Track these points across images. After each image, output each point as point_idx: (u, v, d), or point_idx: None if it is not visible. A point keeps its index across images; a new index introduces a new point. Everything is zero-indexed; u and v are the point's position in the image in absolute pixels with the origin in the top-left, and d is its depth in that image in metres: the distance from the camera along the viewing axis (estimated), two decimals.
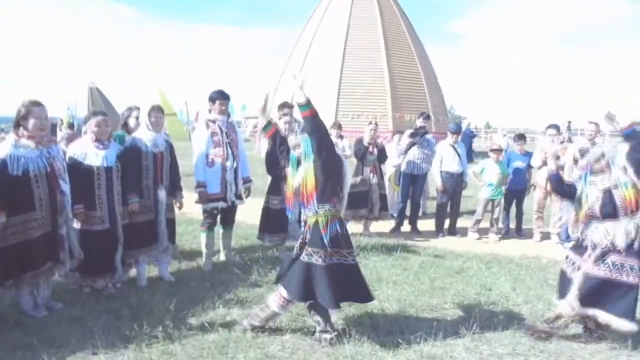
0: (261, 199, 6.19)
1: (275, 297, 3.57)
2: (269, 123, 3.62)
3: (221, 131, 5.12)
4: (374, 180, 6.98)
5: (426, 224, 7.74)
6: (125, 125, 5.12)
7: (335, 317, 3.81)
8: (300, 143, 3.61)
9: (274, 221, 5.65)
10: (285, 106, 5.71)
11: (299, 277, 3.43)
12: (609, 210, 3.52)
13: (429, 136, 7.56)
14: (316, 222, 3.42)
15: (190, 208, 5.58)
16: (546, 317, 3.81)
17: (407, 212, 7.66)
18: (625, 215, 3.50)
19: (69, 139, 6.92)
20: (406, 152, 7.42)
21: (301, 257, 3.45)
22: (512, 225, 7.58)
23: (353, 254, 3.55)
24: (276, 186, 5.63)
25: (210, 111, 5.19)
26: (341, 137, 8.28)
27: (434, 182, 7.54)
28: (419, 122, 7.58)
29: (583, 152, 3.74)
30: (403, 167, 7.47)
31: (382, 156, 7.07)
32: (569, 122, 18.54)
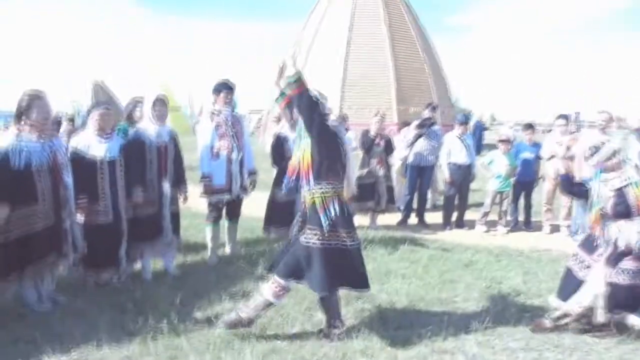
0: (265, 193, 6.14)
1: (271, 284, 3.38)
2: (283, 93, 3.42)
3: (226, 123, 5.04)
4: (381, 172, 6.88)
5: (434, 217, 7.64)
6: (130, 117, 5.05)
7: (344, 310, 3.75)
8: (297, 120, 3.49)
9: (280, 213, 5.59)
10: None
11: (291, 257, 3.34)
12: (622, 210, 3.43)
13: (436, 127, 7.45)
14: (313, 201, 3.30)
15: (194, 201, 5.51)
16: (553, 316, 3.68)
17: (414, 205, 7.57)
18: (639, 215, 3.40)
19: (69, 134, 6.88)
20: (413, 143, 7.31)
21: (300, 240, 3.33)
22: (521, 218, 7.47)
23: (354, 236, 3.36)
24: (282, 178, 5.52)
25: (214, 103, 5.10)
26: (347, 129, 8.18)
27: (442, 175, 7.44)
28: (426, 114, 7.47)
29: (594, 150, 3.62)
30: (410, 159, 7.36)
31: (388, 148, 6.97)
32: (577, 113, 18.35)
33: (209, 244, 5.24)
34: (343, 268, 3.31)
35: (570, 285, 3.60)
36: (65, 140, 5.89)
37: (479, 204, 7.76)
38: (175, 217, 4.75)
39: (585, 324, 3.55)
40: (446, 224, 7.35)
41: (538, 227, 7.30)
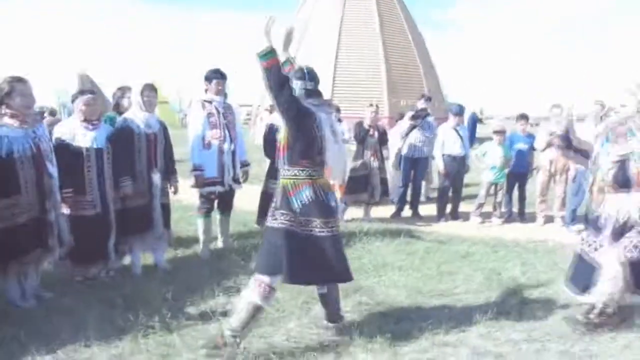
0: (257, 186, 6.01)
1: (255, 284, 3.05)
2: (288, 60, 3.23)
3: (218, 112, 4.88)
4: (375, 164, 6.78)
5: (427, 209, 7.57)
6: (117, 106, 4.88)
7: (342, 303, 3.64)
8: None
9: None
10: None
11: (264, 248, 3.11)
12: (622, 180, 3.33)
13: (430, 119, 7.35)
14: (284, 185, 3.09)
15: (185, 194, 5.36)
16: (584, 311, 3.53)
17: (408, 197, 7.48)
18: (638, 190, 3.31)
19: (51, 125, 6.65)
20: (407, 135, 7.21)
21: (271, 225, 3.07)
22: (515, 209, 7.41)
23: (332, 225, 3.06)
24: (274, 170, 5.39)
25: (206, 91, 4.94)
26: (340, 120, 8.05)
27: (436, 166, 7.36)
28: (420, 104, 7.37)
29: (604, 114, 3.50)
30: (404, 151, 7.26)
31: (382, 139, 6.86)
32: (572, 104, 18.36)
33: (201, 238, 5.09)
34: (316, 258, 3.01)
35: (582, 271, 3.50)
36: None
37: (473, 196, 7.69)
38: (166, 209, 4.59)
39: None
40: (440, 215, 7.27)
41: (532, 218, 7.24)
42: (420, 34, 20.95)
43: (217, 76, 4.90)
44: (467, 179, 7.66)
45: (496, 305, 3.83)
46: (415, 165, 7.27)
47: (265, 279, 3.03)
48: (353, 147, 6.87)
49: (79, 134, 4.18)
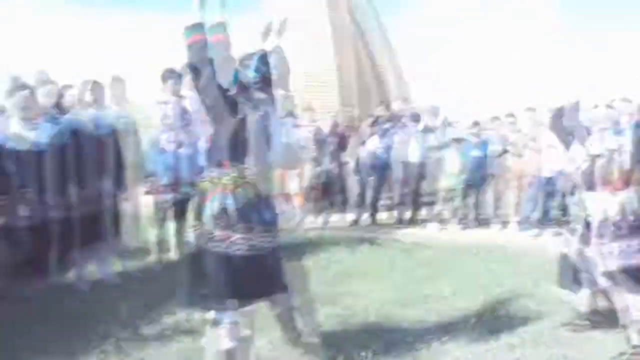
0: None
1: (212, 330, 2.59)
2: (219, 26, 2.79)
3: (174, 114, 4.56)
4: (335, 171, 6.63)
5: (385, 216, 7.50)
6: (58, 105, 4.44)
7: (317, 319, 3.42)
8: None
9: None
10: None
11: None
12: (588, 180, 3.31)
13: (388, 125, 7.30)
14: (202, 189, 2.67)
15: (134, 201, 4.95)
16: (582, 312, 3.49)
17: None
18: (616, 189, 3.29)
19: None
20: (366, 141, 7.11)
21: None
22: (471, 215, 7.47)
23: (253, 242, 2.55)
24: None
25: (162, 92, 4.61)
26: (296, 126, 7.85)
27: (394, 173, 7.31)
28: (379, 111, 7.31)
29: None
30: (363, 158, 7.15)
31: (342, 146, 6.73)
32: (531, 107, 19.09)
33: (154, 249, 4.72)
34: (229, 276, 2.55)
35: (569, 271, 3.45)
36: None
37: (431, 203, 7.70)
38: (116, 218, 4.20)
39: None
40: (399, 222, 7.22)
41: (487, 223, 7.33)
42: (370, 42, 21.11)
43: (173, 76, 4.59)
44: (424, 185, 7.64)
45: (471, 313, 3.73)
46: (374, 172, 7.17)
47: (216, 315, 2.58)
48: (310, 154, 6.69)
49: (17, 134, 3.73)
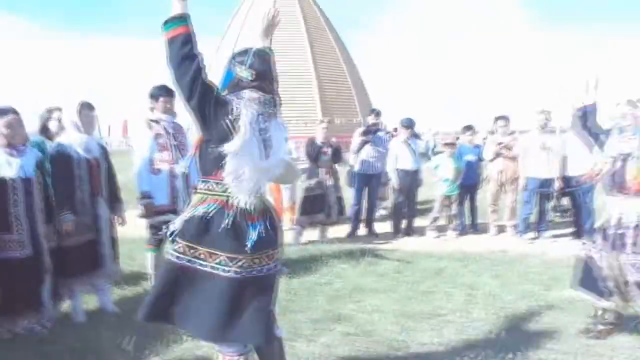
0: None
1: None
2: (180, 19, 2.30)
3: (167, 133, 4.38)
4: (330, 182, 6.51)
5: (382, 226, 7.41)
6: (45, 130, 4.24)
7: (325, 338, 3.29)
8: None
9: None
10: None
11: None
12: (619, 181, 3.23)
13: (381, 133, 7.23)
14: (202, 200, 2.31)
15: (127, 225, 4.75)
16: (599, 315, 3.44)
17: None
18: (633, 194, 3.23)
19: None
20: (359, 151, 7.02)
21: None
22: (467, 221, 7.43)
23: (244, 264, 2.24)
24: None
25: (152, 110, 4.43)
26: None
27: (389, 182, 7.23)
28: (371, 119, 7.24)
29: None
30: (357, 167, 7.06)
31: (336, 156, 6.62)
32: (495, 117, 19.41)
33: (151, 273, 4.51)
34: (204, 304, 2.25)
35: (591, 275, 3.37)
36: None
37: (426, 210, 7.65)
38: (113, 243, 4.00)
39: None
40: (396, 232, 7.13)
41: (484, 229, 7.30)
42: (348, 51, 21.27)
43: (163, 93, 4.41)
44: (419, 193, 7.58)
45: (487, 323, 3.65)
46: (368, 181, 7.08)
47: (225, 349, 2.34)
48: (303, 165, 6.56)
49: (2, 161, 3.51)
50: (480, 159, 7.35)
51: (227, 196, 2.27)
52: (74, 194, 3.72)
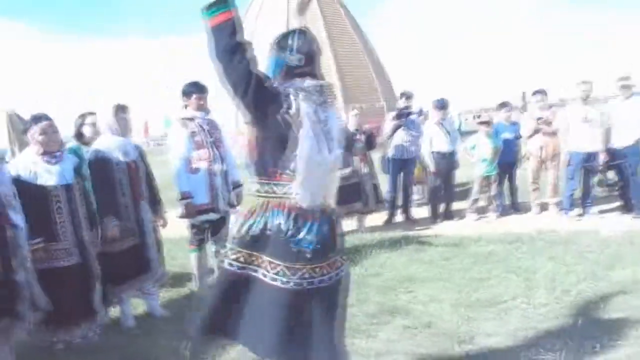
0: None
1: None
2: (225, 4, 2.09)
3: (202, 130, 4.27)
4: (365, 170, 6.34)
5: (418, 211, 7.22)
6: (80, 136, 4.17)
7: (383, 334, 3.15)
8: None
9: None
10: None
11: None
12: None
13: (413, 116, 7.00)
14: (262, 204, 2.13)
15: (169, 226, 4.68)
16: None
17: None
18: None
19: None
20: (392, 135, 6.82)
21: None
22: (507, 201, 7.18)
23: (305, 275, 2.08)
24: None
25: (185, 107, 4.32)
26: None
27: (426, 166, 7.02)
28: (402, 103, 7.01)
29: None
30: (391, 153, 6.86)
31: (370, 143, 6.43)
32: (524, 93, 18.92)
33: (195, 273, 4.44)
34: (257, 315, 2.11)
35: None
36: None
37: (462, 193, 7.43)
38: (158, 246, 3.92)
39: None
40: (435, 216, 6.94)
41: (525, 208, 7.05)
42: (366, 36, 20.92)
43: (195, 90, 4.30)
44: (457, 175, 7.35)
45: (551, 309, 3.47)
46: (403, 166, 6.88)
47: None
48: None
49: (41, 170, 3.44)
50: (517, 137, 7.08)
51: (289, 199, 2.08)
52: (117, 199, 3.64)
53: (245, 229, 2.12)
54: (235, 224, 2.21)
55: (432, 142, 6.74)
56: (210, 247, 4.56)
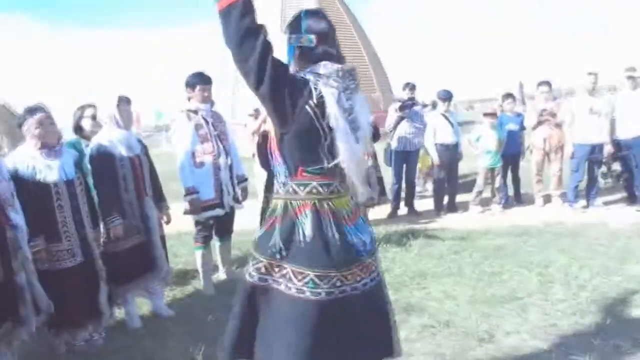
0: (253, 201, 5.29)
1: None
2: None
3: (207, 123, 4.13)
4: (369, 162, 6.22)
5: (422, 204, 7.14)
6: (79, 129, 4.01)
7: (402, 333, 3.05)
8: None
9: None
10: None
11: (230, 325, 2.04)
12: None
13: (417, 108, 6.89)
14: (274, 209, 1.97)
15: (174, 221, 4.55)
16: None
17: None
18: None
19: None
20: (395, 127, 6.71)
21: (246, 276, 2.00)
22: (510, 192, 7.12)
23: (338, 282, 1.88)
24: (273, 182, 4.71)
25: (189, 99, 4.17)
26: None
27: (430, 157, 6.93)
28: (405, 94, 6.89)
29: None
30: (394, 145, 6.75)
31: (375, 135, 6.30)
32: (521, 83, 18.87)
33: (201, 270, 4.32)
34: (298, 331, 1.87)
35: None
36: None
37: (466, 185, 7.36)
38: (163, 243, 3.79)
39: None
40: (439, 209, 6.86)
41: (529, 200, 7.00)
42: (362, 28, 20.70)
43: (200, 81, 4.14)
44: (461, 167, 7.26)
45: (570, 305, 3.39)
46: (407, 158, 6.78)
47: None
48: None
49: (40, 164, 3.26)
50: (522, 128, 7.00)
51: (316, 199, 1.89)
52: (121, 196, 3.50)
53: (270, 235, 1.92)
54: (257, 231, 2.05)
55: (436, 133, 6.64)
56: (215, 244, 4.44)
